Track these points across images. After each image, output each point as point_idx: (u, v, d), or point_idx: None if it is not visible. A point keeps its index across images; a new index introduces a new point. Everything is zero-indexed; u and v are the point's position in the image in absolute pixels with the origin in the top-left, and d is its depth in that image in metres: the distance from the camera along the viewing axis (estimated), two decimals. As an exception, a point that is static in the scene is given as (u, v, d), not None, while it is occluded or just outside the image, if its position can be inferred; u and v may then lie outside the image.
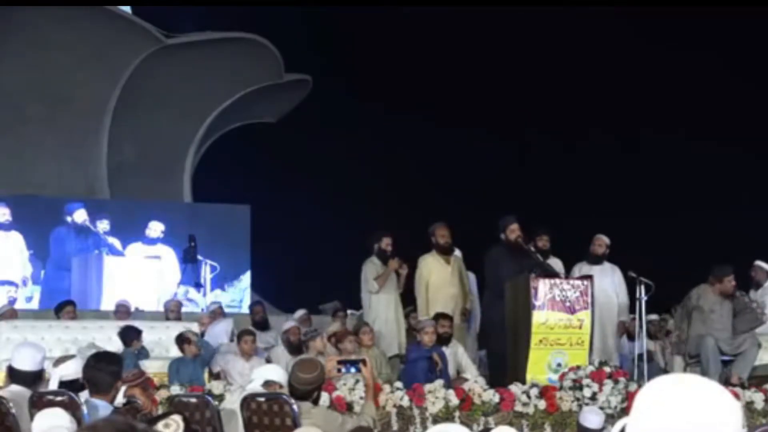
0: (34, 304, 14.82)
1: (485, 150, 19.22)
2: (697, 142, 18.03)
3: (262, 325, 11.40)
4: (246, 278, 16.51)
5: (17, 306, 13.44)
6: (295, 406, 5.40)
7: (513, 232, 9.20)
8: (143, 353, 9.28)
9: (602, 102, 18.91)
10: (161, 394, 7.33)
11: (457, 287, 9.83)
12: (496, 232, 9.46)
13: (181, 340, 8.83)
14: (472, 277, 10.43)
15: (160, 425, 4.05)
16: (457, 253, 10.13)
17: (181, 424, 4.02)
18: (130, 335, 9.21)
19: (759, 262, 10.26)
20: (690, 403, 1.59)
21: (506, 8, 18.39)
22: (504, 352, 8.84)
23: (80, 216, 15.54)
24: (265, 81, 18.01)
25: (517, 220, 9.32)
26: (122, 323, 9.84)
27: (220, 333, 9.89)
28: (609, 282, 9.90)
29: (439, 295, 9.70)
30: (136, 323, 9.84)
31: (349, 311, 12.35)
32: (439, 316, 9.17)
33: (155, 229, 15.81)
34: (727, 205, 17.26)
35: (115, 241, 15.62)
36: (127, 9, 17.46)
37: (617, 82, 18.95)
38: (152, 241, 15.77)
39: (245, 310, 15.49)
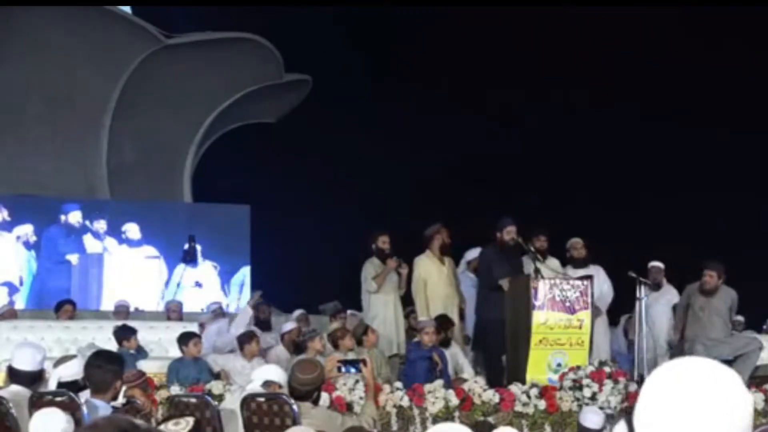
0: (21, 305, 14.75)
1: (486, 150, 19.21)
2: (701, 139, 18.02)
3: (265, 325, 11.40)
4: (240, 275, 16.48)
5: (21, 306, 13.47)
6: (295, 406, 5.40)
7: (509, 233, 9.22)
8: (142, 353, 9.27)
9: (607, 99, 18.91)
10: (161, 395, 7.34)
11: (452, 287, 9.86)
12: (493, 232, 9.48)
13: (182, 341, 8.79)
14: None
15: (170, 424, 4.09)
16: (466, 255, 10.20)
17: (191, 423, 4.06)
18: (123, 334, 9.20)
19: (655, 263, 10.24)
20: (699, 385, 1.59)
21: (508, 7, 18.40)
22: (499, 353, 8.85)
23: (74, 217, 15.52)
24: (265, 81, 17.99)
25: (515, 223, 9.33)
26: (122, 323, 9.83)
27: (216, 335, 9.89)
28: (601, 282, 9.87)
29: (436, 295, 9.72)
30: (137, 323, 9.83)
31: (349, 311, 12.35)
32: (444, 320, 9.20)
33: (134, 230, 15.77)
34: (730, 203, 17.26)
35: (112, 242, 15.60)
36: (127, 9, 17.45)
37: (620, 77, 18.95)
38: (137, 243, 15.72)
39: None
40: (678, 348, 9.62)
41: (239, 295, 16.37)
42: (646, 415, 1.62)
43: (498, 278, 8.94)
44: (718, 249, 11.02)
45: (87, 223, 15.54)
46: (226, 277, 16.27)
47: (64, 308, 11.08)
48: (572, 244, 10.09)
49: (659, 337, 9.95)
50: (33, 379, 5.48)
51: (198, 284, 15.26)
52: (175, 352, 9.00)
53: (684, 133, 18.19)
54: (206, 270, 15.63)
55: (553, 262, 9.77)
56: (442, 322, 9.19)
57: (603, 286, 9.81)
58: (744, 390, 1.60)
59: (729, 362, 9.20)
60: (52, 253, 15.30)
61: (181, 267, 14.81)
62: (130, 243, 15.70)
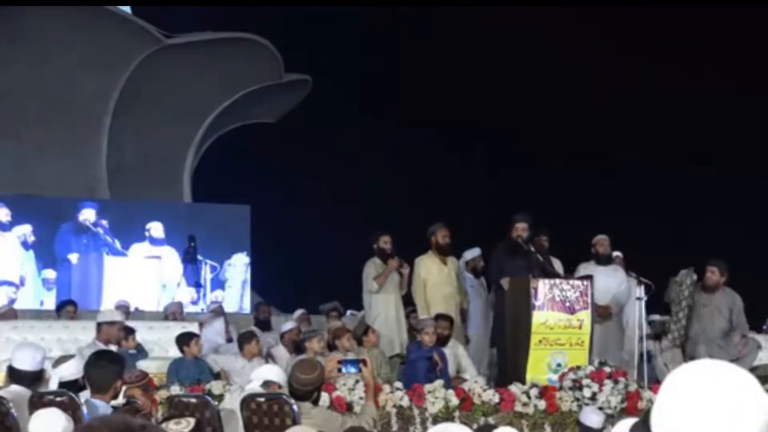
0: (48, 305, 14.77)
1: (487, 150, 19.22)
2: (698, 140, 18.05)
3: (265, 325, 11.40)
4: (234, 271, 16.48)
5: (22, 306, 13.48)
6: (295, 406, 5.40)
7: (516, 230, 9.17)
8: (142, 353, 9.27)
9: (603, 106, 18.93)
10: (161, 394, 7.33)
11: (454, 287, 9.85)
12: (497, 232, 9.46)
13: (182, 340, 8.80)
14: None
15: (171, 423, 4.08)
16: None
17: (192, 423, 4.06)
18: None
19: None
20: (717, 388, 1.60)
21: (510, 8, 18.41)
22: (505, 350, 8.85)
23: (84, 215, 15.54)
24: (265, 81, 18.00)
25: (527, 219, 9.22)
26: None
27: (214, 335, 9.89)
28: (619, 281, 9.86)
29: (437, 295, 9.71)
30: (137, 323, 9.83)
31: (348, 311, 12.35)
32: (439, 317, 9.18)
33: (157, 228, 15.80)
34: (731, 203, 17.30)
35: (115, 242, 15.61)
36: (127, 9, 17.46)
37: (615, 86, 18.96)
38: (160, 242, 15.74)
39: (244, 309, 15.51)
40: (680, 346, 9.60)
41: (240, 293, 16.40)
42: (664, 417, 1.63)
43: (505, 274, 8.91)
44: (719, 249, 11.01)
45: (87, 222, 15.56)
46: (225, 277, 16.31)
47: (66, 309, 11.08)
48: (598, 240, 10.03)
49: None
50: (33, 379, 5.49)
51: (198, 284, 15.25)
52: (175, 352, 8.99)
53: (692, 140, 18.21)
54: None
55: (555, 263, 9.74)
56: (439, 320, 9.15)
57: (621, 287, 9.79)
58: (762, 391, 1.61)
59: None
60: (66, 252, 15.33)
61: (180, 267, 14.78)
62: (154, 241, 15.73)
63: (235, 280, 16.43)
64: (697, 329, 9.34)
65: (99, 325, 8.67)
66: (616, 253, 10.35)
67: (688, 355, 9.38)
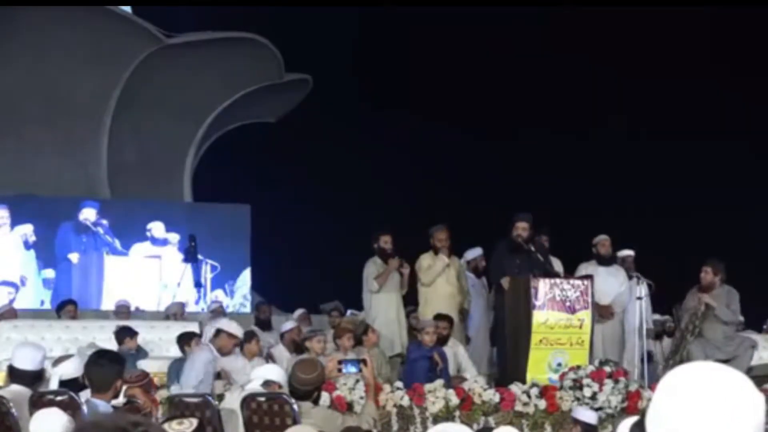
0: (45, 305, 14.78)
1: (487, 150, 19.21)
2: (701, 142, 18.04)
3: (266, 325, 11.40)
4: (244, 278, 16.48)
5: (22, 305, 13.49)
6: (295, 406, 5.41)
7: (516, 230, 9.17)
8: (141, 353, 9.28)
9: (605, 102, 18.92)
10: (161, 394, 7.34)
11: (455, 286, 9.85)
12: (498, 231, 9.47)
13: (183, 340, 8.81)
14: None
15: (174, 423, 4.09)
16: None
17: (195, 423, 4.07)
18: (123, 335, 9.21)
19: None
20: (712, 389, 1.60)
21: (510, 8, 18.41)
22: (505, 349, 8.85)
23: (84, 215, 15.55)
24: (265, 81, 18.00)
25: (527, 219, 9.20)
26: (123, 323, 9.84)
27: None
28: (621, 281, 9.84)
29: (437, 294, 9.71)
30: (137, 323, 9.84)
31: (349, 311, 12.36)
32: (439, 317, 9.18)
33: (159, 228, 15.80)
34: (732, 204, 17.30)
35: (115, 242, 15.61)
36: (127, 9, 17.46)
37: (616, 82, 18.95)
38: (162, 242, 15.73)
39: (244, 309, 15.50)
40: (675, 345, 9.61)
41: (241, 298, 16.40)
42: (660, 418, 1.63)
43: (507, 274, 8.90)
44: (720, 249, 11.01)
45: (87, 222, 15.56)
46: (226, 278, 16.30)
47: (66, 308, 11.09)
48: (600, 241, 10.02)
49: None
50: (33, 378, 5.49)
51: (198, 284, 15.25)
52: (176, 352, 9.00)
53: (695, 141, 18.20)
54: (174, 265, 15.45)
55: (555, 262, 9.75)
56: (438, 320, 9.17)
57: (622, 287, 9.78)
58: (756, 392, 1.61)
59: (723, 363, 9.17)
60: (66, 251, 15.33)
61: (181, 267, 14.79)
62: (155, 241, 15.72)
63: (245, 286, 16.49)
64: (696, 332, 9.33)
65: (219, 331, 7.96)
66: (628, 252, 10.34)
67: (685, 356, 9.39)
